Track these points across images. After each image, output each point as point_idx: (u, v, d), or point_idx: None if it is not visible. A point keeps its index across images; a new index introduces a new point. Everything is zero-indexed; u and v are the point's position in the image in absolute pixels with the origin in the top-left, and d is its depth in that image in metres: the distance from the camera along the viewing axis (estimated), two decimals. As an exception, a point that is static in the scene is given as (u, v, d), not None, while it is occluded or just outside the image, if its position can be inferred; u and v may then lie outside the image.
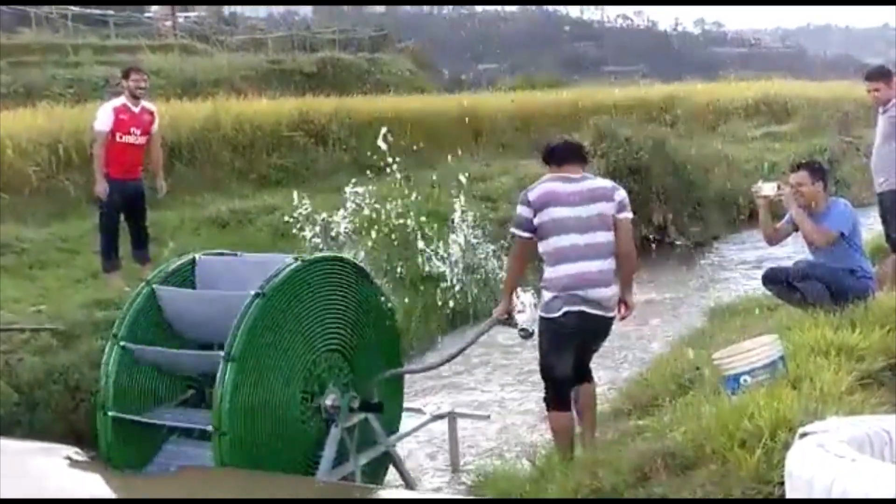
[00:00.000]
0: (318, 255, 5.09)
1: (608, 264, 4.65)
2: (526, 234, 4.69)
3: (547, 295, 4.67)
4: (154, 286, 4.90)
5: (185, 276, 5.07)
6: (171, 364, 4.92)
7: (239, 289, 4.63)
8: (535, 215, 4.63)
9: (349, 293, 4.99)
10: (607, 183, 4.86)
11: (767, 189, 5.70)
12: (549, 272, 4.66)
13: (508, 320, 5.02)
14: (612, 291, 4.68)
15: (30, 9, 29.37)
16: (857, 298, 5.22)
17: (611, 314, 4.71)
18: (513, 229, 4.82)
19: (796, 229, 5.71)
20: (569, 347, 4.68)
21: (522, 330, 4.96)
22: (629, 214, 4.74)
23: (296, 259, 4.76)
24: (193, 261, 5.14)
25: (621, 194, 4.75)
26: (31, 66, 19.91)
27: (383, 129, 10.13)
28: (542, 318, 4.70)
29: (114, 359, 4.73)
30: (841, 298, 5.26)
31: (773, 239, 5.96)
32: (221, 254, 5.40)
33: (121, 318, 4.85)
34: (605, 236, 4.65)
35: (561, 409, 4.77)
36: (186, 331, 4.94)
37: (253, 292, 4.46)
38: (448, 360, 5.69)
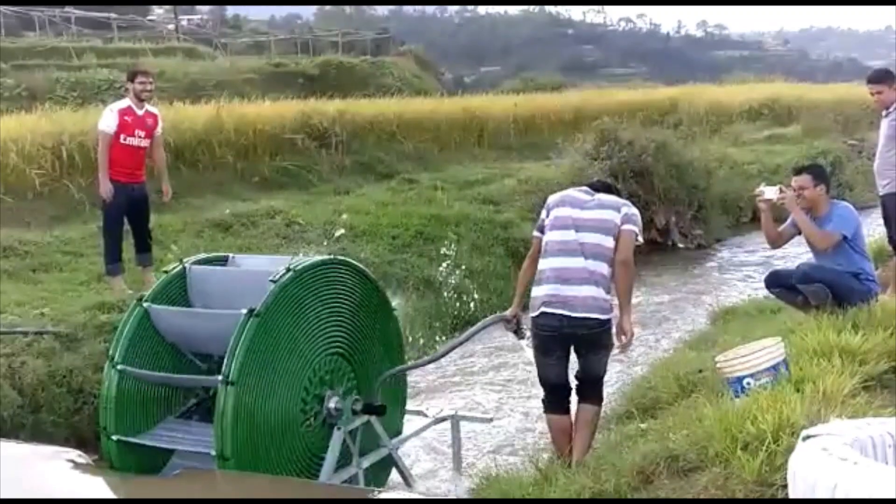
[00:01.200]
0: (316, 258, 5.05)
1: (596, 266, 4.60)
2: (539, 235, 4.85)
3: (533, 291, 4.71)
4: (146, 306, 4.84)
5: (177, 290, 5.01)
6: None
7: (233, 302, 4.57)
8: (548, 216, 4.79)
9: (349, 295, 4.98)
10: (620, 199, 4.88)
11: (770, 193, 5.69)
12: (538, 266, 4.74)
13: (518, 329, 5.00)
14: (597, 293, 4.58)
15: (33, 12, 29.46)
16: (860, 301, 5.22)
17: (594, 316, 4.57)
18: (534, 232, 4.97)
19: (799, 232, 5.71)
20: (552, 349, 4.66)
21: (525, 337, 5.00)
22: (633, 228, 4.69)
23: (288, 270, 4.62)
24: (184, 270, 5.05)
25: (629, 209, 4.76)
26: (35, 69, 19.95)
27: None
28: (530, 318, 4.74)
29: (112, 382, 4.71)
30: (844, 301, 5.26)
31: (776, 242, 5.96)
32: (212, 260, 5.34)
33: (115, 340, 4.82)
34: (599, 238, 4.64)
35: (553, 411, 4.78)
36: (183, 345, 4.94)
37: (245, 311, 4.40)
38: (447, 353, 5.62)
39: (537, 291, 4.66)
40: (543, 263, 4.70)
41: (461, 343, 5.46)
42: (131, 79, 7.89)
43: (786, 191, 5.67)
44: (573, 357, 4.78)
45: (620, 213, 4.70)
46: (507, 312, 5.04)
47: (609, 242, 4.64)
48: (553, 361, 4.68)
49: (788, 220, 5.80)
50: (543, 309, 4.60)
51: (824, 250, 5.58)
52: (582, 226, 4.67)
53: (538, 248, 4.84)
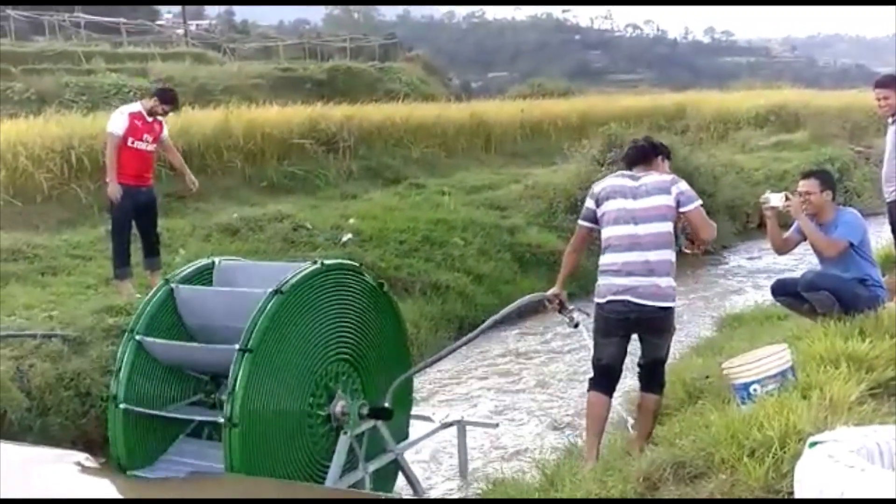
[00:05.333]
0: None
1: (659, 255, 4.60)
2: (587, 224, 4.88)
3: (599, 280, 4.74)
4: (173, 285, 4.93)
5: (203, 278, 5.11)
6: (185, 358, 4.91)
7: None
8: (598, 206, 4.79)
9: (359, 301, 5.00)
10: (667, 177, 4.83)
11: (775, 200, 5.69)
12: (601, 259, 4.76)
13: (562, 308, 5.03)
14: (660, 282, 4.58)
15: (43, 16, 29.60)
16: (867, 308, 5.21)
17: (661, 304, 4.59)
18: (579, 220, 4.98)
19: (805, 239, 5.70)
20: (615, 332, 4.68)
21: (572, 319, 5.06)
22: (695, 204, 4.70)
23: (315, 262, 4.80)
24: (213, 264, 5.18)
25: (680, 187, 4.73)
26: (44, 73, 20.03)
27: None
28: (595, 303, 4.76)
29: (129, 352, 4.76)
30: (851, 308, 5.25)
31: (782, 249, 5.95)
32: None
33: (138, 313, 4.89)
34: (658, 227, 4.63)
35: (596, 389, 4.75)
36: (201, 330, 4.95)
37: (271, 290, 4.48)
38: (480, 333, 5.43)
39: (604, 281, 4.69)
40: (608, 257, 4.70)
41: (498, 321, 5.36)
42: (160, 98, 7.84)
43: (791, 198, 5.66)
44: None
45: (672, 194, 4.68)
46: (549, 292, 5.05)
47: (668, 227, 4.66)
48: (612, 342, 4.69)
49: (794, 227, 5.79)
50: (610, 297, 4.64)
51: (831, 257, 5.57)
52: (639, 217, 4.65)
53: (583, 236, 4.93)
